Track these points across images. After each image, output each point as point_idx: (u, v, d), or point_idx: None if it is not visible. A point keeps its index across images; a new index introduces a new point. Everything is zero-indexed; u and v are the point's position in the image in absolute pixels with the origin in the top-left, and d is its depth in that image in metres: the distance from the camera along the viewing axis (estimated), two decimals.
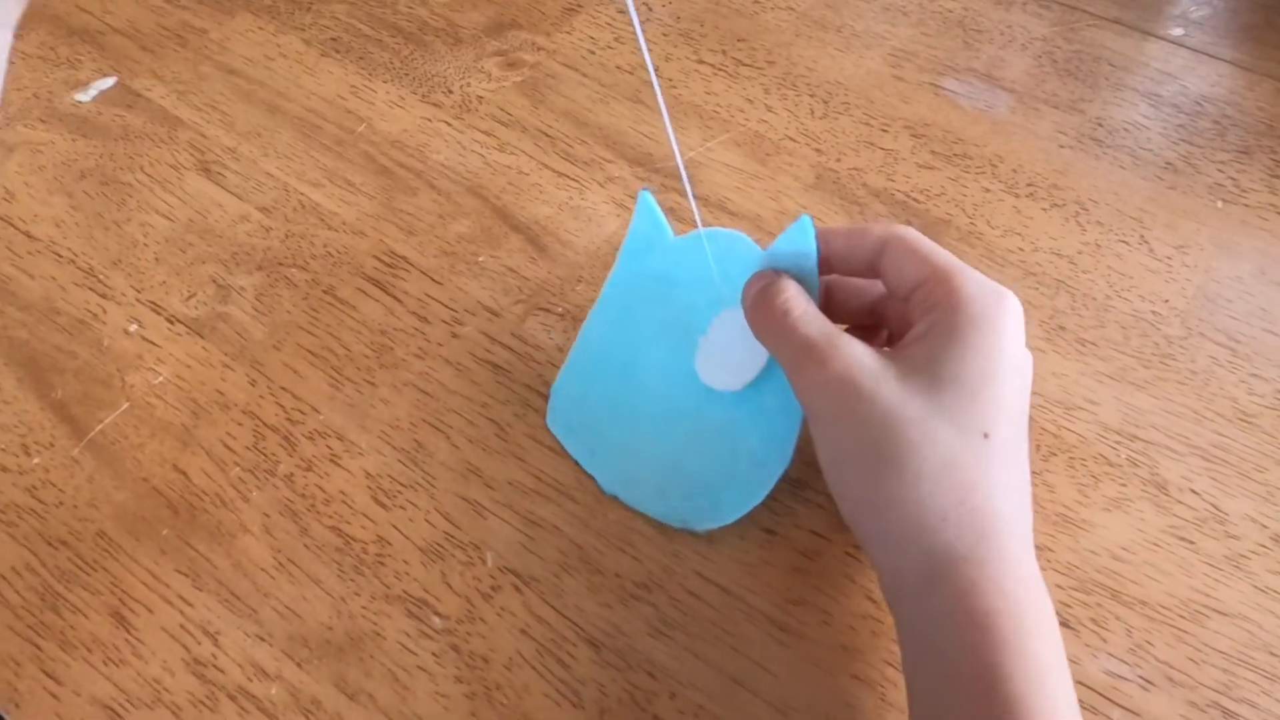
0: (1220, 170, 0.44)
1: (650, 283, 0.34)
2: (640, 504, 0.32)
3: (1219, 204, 0.43)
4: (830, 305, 0.32)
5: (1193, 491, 0.33)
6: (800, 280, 0.30)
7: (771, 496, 0.32)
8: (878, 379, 0.26)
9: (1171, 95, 0.48)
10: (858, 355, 0.27)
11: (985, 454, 0.25)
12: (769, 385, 0.31)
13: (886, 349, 0.28)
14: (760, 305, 0.29)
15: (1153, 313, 0.39)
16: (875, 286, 0.32)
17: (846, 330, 0.29)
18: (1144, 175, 0.44)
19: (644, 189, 0.34)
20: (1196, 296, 0.39)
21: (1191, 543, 0.32)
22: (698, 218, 0.32)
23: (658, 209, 0.34)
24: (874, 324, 0.33)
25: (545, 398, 0.35)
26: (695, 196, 0.42)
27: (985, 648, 0.23)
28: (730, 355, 0.31)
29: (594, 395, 0.34)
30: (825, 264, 0.30)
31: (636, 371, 0.33)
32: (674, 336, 0.33)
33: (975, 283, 0.27)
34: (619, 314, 0.34)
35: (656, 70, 0.48)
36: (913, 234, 0.29)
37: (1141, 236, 0.41)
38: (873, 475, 0.26)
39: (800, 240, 0.29)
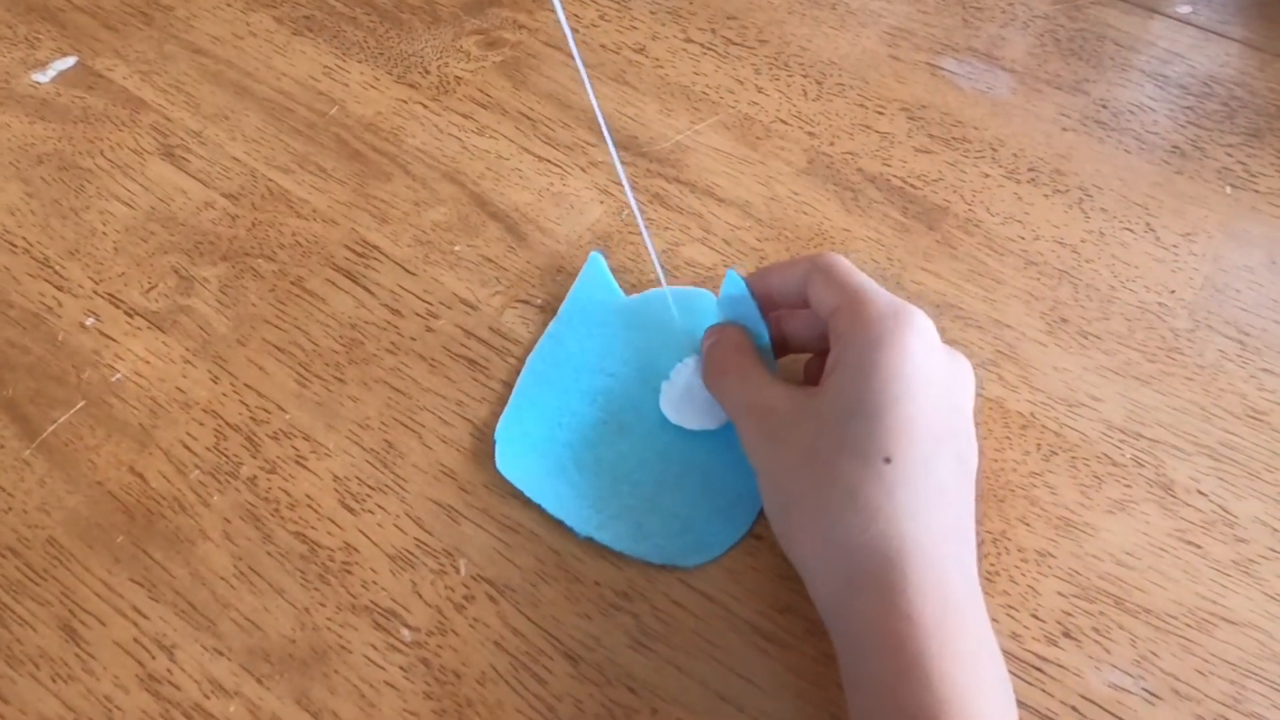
0: (1229, 154, 0.42)
1: (598, 331, 0.35)
2: (619, 544, 0.30)
3: (1228, 189, 0.41)
4: (784, 337, 0.32)
5: (1200, 493, 0.32)
6: (748, 324, 0.31)
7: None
8: (790, 425, 0.27)
9: (1179, 75, 0.46)
10: (776, 402, 0.28)
11: (889, 480, 0.25)
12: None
13: (813, 388, 0.28)
14: (706, 366, 0.31)
15: (1159, 304, 0.37)
16: None
17: (808, 360, 0.32)
18: (1150, 159, 0.42)
19: (595, 252, 0.36)
20: (1205, 287, 0.38)
21: (1199, 547, 0.31)
22: (658, 266, 0.34)
23: (608, 272, 0.36)
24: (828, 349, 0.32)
25: None
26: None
27: (894, 673, 0.23)
28: (700, 397, 0.32)
29: (549, 439, 0.32)
30: (769, 300, 0.31)
31: (595, 416, 0.33)
32: (633, 381, 0.34)
33: (876, 305, 0.27)
34: (566, 358, 0.34)
35: (643, 50, 0.46)
36: (833, 262, 0.29)
37: (1147, 224, 0.40)
38: (789, 515, 0.27)
39: (733, 289, 0.31)
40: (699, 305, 0.35)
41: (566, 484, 0.31)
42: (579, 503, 0.31)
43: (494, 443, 0.32)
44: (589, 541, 0.30)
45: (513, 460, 0.32)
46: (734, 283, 0.31)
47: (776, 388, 0.28)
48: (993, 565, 0.30)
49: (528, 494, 0.31)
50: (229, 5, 0.47)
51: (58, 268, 0.37)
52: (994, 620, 0.29)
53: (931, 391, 0.26)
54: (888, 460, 0.25)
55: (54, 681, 0.28)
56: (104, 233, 0.38)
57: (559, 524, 0.31)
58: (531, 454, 0.32)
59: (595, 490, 0.31)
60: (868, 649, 0.24)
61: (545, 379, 0.34)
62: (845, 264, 0.29)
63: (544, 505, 0.31)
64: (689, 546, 0.30)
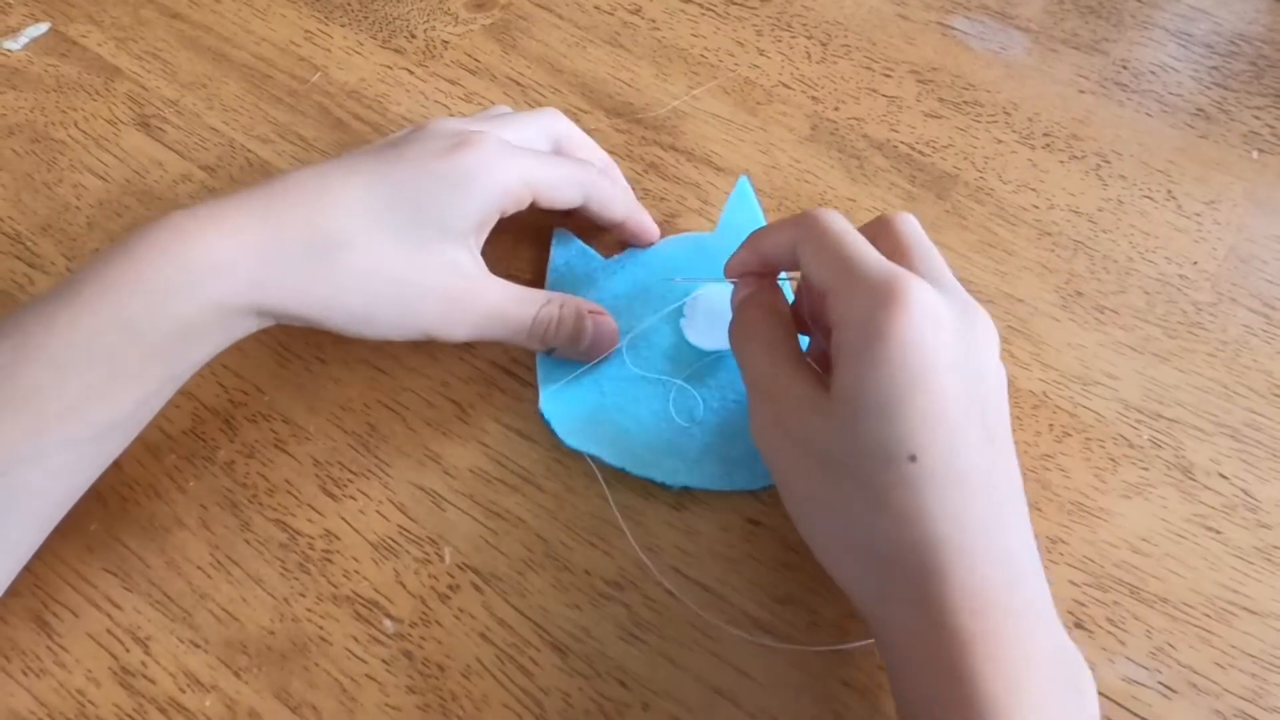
0: (1256, 117, 0.40)
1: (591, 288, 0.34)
2: (716, 484, 0.30)
3: (1254, 154, 0.39)
4: (799, 312, 0.29)
5: (1221, 476, 0.30)
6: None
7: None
8: (801, 422, 0.25)
9: (1203, 34, 0.43)
10: (792, 389, 0.25)
11: (915, 481, 0.23)
12: None
13: (827, 377, 0.25)
14: (734, 324, 0.28)
15: (1180, 276, 0.35)
16: None
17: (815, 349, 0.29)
18: (1172, 123, 0.40)
19: (558, 230, 0.35)
20: (1228, 258, 0.36)
21: (1219, 533, 0.29)
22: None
23: (578, 241, 0.35)
24: None
25: (511, 375, 0.32)
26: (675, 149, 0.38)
27: (935, 688, 0.22)
28: (722, 318, 0.30)
29: (597, 404, 0.31)
30: (769, 268, 0.28)
31: (629, 371, 0.32)
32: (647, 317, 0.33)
33: (866, 284, 0.24)
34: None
35: (639, 11, 0.44)
36: (821, 230, 0.26)
37: (1169, 191, 0.38)
38: (813, 521, 0.25)
39: (743, 207, 0.30)
40: (685, 246, 0.35)
41: (628, 440, 0.30)
42: (655, 455, 0.30)
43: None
44: (575, 523, 0.29)
45: (569, 426, 0.31)
46: (744, 198, 0.30)
47: (795, 372, 0.26)
48: None
49: (605, 459, 0.30)
50: None
51: (29, 243, 0.36)
52: None
53: (945, 370, 0.23)
54: (913, 458, 0.23)
55: (25, 675, 0.27)
56: (77, 207, 0.37)
57: (548, 510, 0.29)
58: (584, 419, 0.31)
59: (665, 439, 0.30)
60: (911, 663, 0.23)
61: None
62: (833, 230, 0.26)
63: (626, 468, 0.30)
64: (737, 470, 0.30)
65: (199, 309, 0.26)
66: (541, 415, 0.31)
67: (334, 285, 0.27)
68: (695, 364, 0.32)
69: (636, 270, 0.34)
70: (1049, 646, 0.23)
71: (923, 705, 0.22)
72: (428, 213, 0.28)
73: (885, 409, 0.23)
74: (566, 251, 0.35)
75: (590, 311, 0.31)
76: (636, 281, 0.34)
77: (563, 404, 0.31)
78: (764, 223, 0.34)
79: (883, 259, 0.25)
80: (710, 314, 0.32)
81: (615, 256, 0.35)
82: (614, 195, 0.33)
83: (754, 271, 0.28)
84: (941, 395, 0.23)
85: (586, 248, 0.35)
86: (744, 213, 0.36)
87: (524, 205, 0.30)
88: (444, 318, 0.29)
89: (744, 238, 0.29)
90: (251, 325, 0.27)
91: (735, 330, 0.28)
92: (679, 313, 0.33)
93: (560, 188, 0.31)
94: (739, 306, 0.28)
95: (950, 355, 0.23)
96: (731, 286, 0.29)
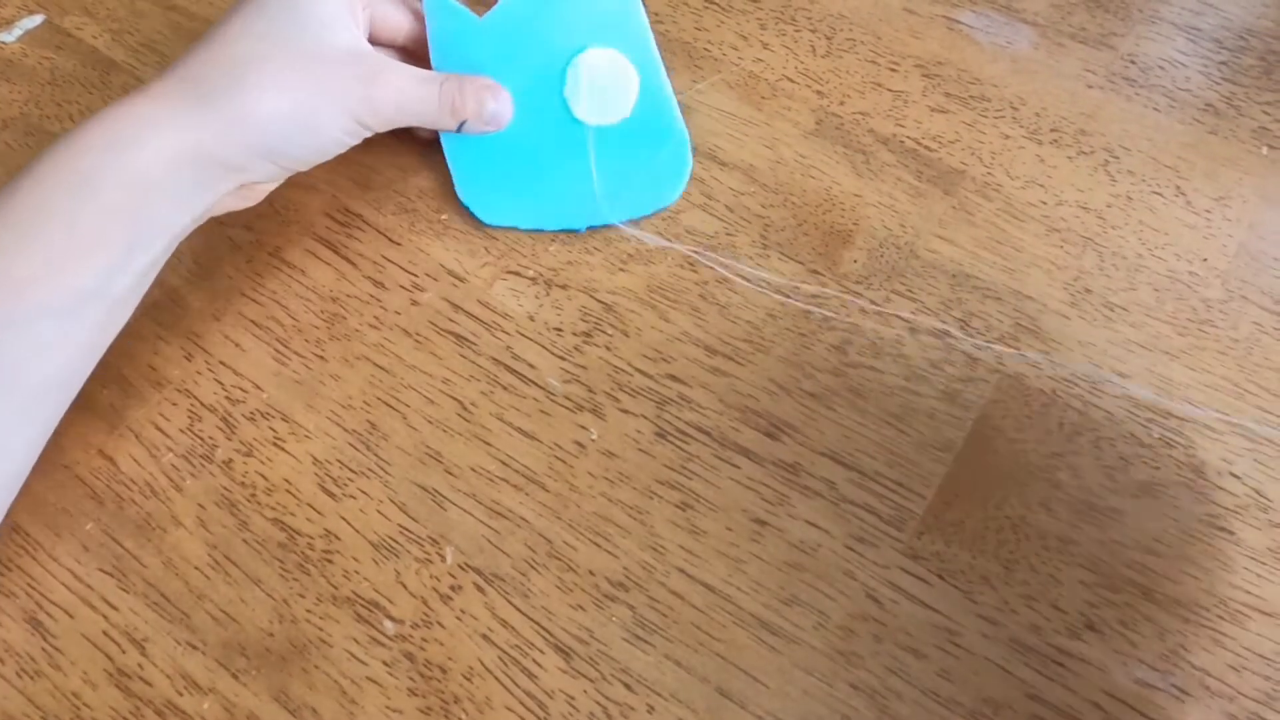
0: (1266, 113, 0.40)
1: (472, 57, 0.35)
2: (628, 213, 0.35)
3: (1265, 150, 0.39)
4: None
5: (1233, 475, 0.30)
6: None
7: (763, 483, 0.28)
8: None
9: (1212, 28, 0.43)
10: None
11: None
12: (646, 107, 0.36)
13: None
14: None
15: (1190, 273, 0.35)
16: None
17: None
18: (1181, 119, 0.40)
19: None
20: (1239, 255, 0.35)
21: (1232, 533, 0.29)
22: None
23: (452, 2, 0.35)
24: None
25: (514, 372, 0.32)
26: None
27: None
28: (607, 88, 0.35)
29: (495, 170, 0.35)
30: None
31: (515, 130, 0.35)
32: (532, 88, 0.35)
33: None
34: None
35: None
36: None
37: (1178, 188, 0.37)
38: None
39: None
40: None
41: (538, 196, 0.35)
42: (563, 202, 0.35)
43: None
44: (579, 523, 0.29)
45: (482, 202, 0.35)
46: None
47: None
48: (1012, 553, 0.28)
49: (520, 225, 0.35)
50: None
51: None
52: (1013, 611, 0.27)
53: None
54: None
55: (19, 677, 0.26)
56: None
57: (551, 509, 0.29)
58: (491, 189, 0.35)
59: (568, 186, 0.35)
60: None
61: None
62: None
63: (542, 226, 0.35)
64: (639, 198, 0.35)
65: (151, 158, 0.27)
66: (464, 205, 0.35)
67: (264, 98, 0.29)
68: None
69: (511, 30, 0.35)
70: None
71: None
72: (299, 9, 0.30)
73: None
74: (439, 13, 0.35)
75: (486, 86, 0.34)
76: (514, 44, 0.35)
77: (478, 189, 0.35)
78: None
79: None
80: (595, 85, 0.35)
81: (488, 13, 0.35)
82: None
83: None
84: None
85: (459, 6, 0.35)
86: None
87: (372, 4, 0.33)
88: (365, 100, 0.31)
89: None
90: (206, 181, 0.29)
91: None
92: (558, 78, 0.35)
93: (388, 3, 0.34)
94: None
95: None
96: (616, 52, 0.35)
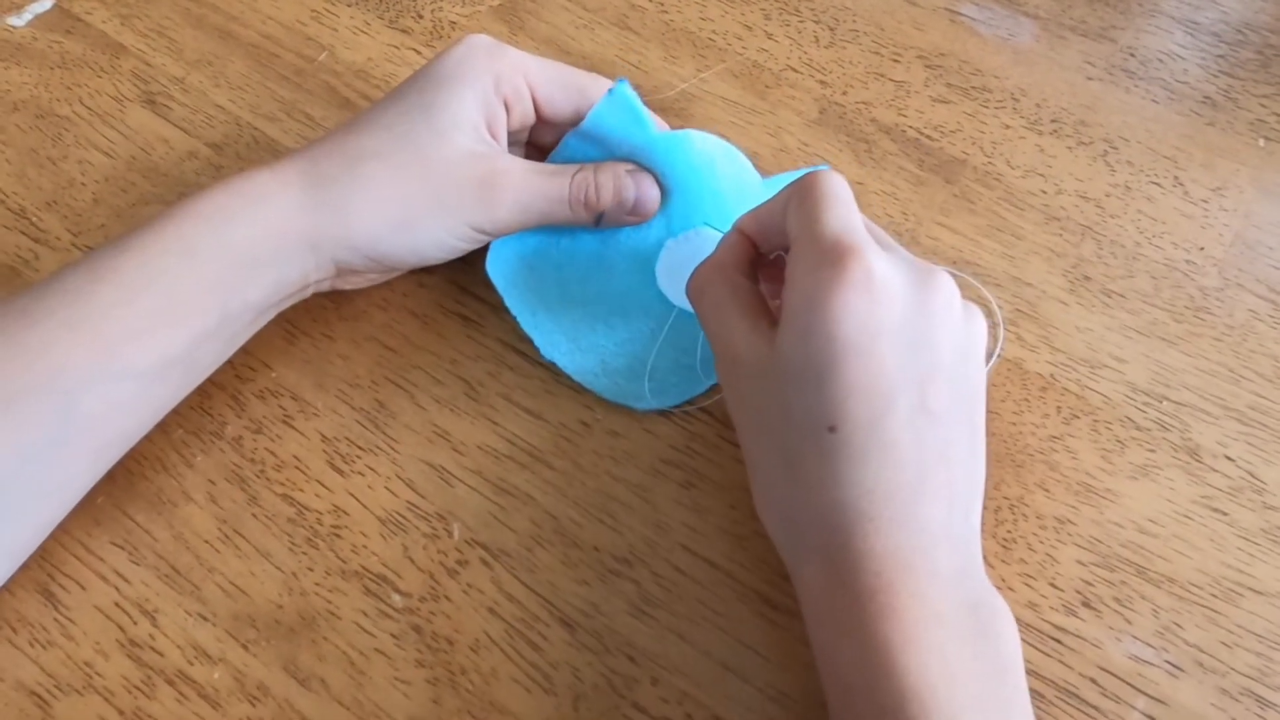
0: (1263, 105, 0.40)
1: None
2: (581, 376, 0.31)
3: (1261, 142, 0.39)
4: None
5: (1227, 458, 0.31)
6: (626, 139, 0.30)
7: None
8: (747, 381, 0.26)
9: (1210, 22, 0.43)
10: (739, 349, 0.26)
11: (829, 451, 0.23)
12: None
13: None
14: (692, 274, 0.28)
15: (1187, 261, 0.35)
16: None
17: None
18: (1179, 110, 0.40)
19: (622, 80, 0.30)
20: (1235, 243, 0.36)
21: (1225, 514, 0.29)
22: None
23: (637, 103, 0.30)
24: None
25: (520, 353, 0.32)
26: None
27: (833, 641, 0.23)
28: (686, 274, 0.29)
29: (542, 255, 0.33)
30: (763, 242, 0.28)
31: (593, 248, 0.33)
32: (640, 226, 0.32)
33: (816, 251, 0.24)
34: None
35: None
36: (805, 186, 0.26)
37: (1175, 178, 0.38)
38: (753, 479, 0.27)
39: (620, 100, 0.30)
40: (732, 163, 0.32)
41: (546, 306, 0.32)
42: (553, 327, 0.32)
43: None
44: (584, 500, 0.29)
45: (502, 265, 0.32)
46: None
47: (744, 331, 0.26)
48: (1010, 532, 0.29)
49: (507, 301, 0.32)
50: None
51: (34, 219, 0.35)
52: (1010, 589, 0.28)
53: (883, 338, 0.23)
54: (832, 429, 0.23)
55: (32, 646, 0.27)
56: (83, 183, 0.36)
57: (556, 487, 0.29)
58: (522, 265, 0.33)
59: (572, 321, 0.32)
60: (819, 616, 0.24)
61: None
62: (817, 190, 0.25)
63: (519, 318, 0.32)
64: (648, 391, 0.31)
65: (254, 235, 0.27)
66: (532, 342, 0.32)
67: (369, 195, 0.28)
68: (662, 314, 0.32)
69: (667, 161, 0.31)
70: (959, 600, 0.23)
71: (828, 656, 0.23)
72: (433, 109, 0.29)
73: (813, 379, 0.23)
74: (616, 108, 0.30)
75: (627, 171, 0.30)
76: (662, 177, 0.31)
77: (541, 320, 0.32)
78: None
79: (847, 224, 0.25)
80: (680, 266, 0.31)
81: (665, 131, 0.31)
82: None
83: (750, 234, 0.28)
84: (871, 366, 0.23)
85: (642, 109, 0.30)
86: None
87: (525, 98, 0.31)
88: (481, 202, 0.29)
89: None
90: (307, 265, 0.28)
91: (691, 284, 0.28)
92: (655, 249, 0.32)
93: (554, 85, 0.31)
94: (700, 266, 0.28)
95: (892, 324, 0.23)
96: (716, 236, 0.30)
